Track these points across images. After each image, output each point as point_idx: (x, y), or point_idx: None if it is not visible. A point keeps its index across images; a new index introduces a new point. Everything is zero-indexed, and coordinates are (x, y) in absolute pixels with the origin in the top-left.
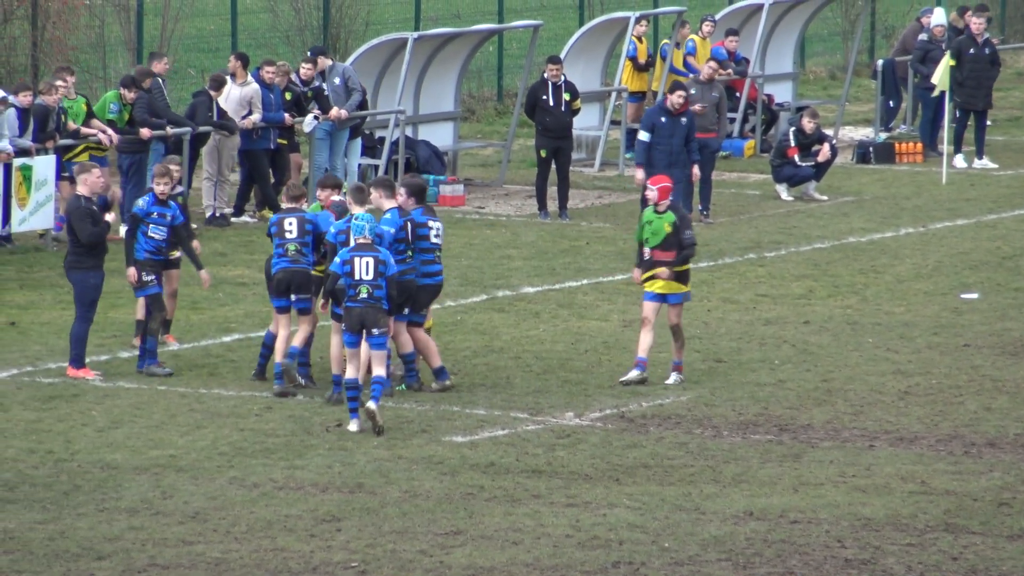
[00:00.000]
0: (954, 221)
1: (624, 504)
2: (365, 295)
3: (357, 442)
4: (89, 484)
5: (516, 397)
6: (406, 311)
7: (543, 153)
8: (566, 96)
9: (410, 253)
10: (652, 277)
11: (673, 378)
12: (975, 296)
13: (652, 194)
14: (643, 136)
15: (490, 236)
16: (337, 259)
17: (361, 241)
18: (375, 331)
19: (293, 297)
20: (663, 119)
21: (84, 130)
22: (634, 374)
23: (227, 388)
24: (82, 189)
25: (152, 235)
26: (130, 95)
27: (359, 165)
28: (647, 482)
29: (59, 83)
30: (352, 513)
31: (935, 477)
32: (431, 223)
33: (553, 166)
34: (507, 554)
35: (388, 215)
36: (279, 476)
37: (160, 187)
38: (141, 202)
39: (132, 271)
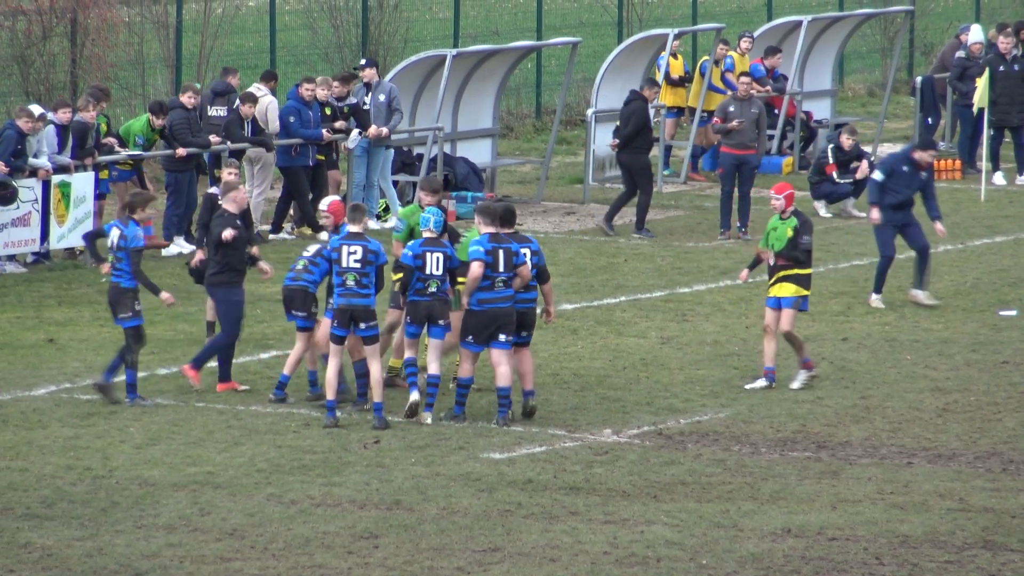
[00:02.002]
0: (992, 238)
1: (662, 521)
2: (434, 289)
3: (395, 459)
4: (127, 501)
5: (554, 414)
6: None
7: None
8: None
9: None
10: (775, 282)
11: (800, 378)
12: (1014, 313)
13: (779, 202)
14: (878, 176)
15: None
16: (408, 252)
17: (429, 235)
18: (440, 322)
19: (292, 312)
20: (904, 168)
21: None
22: (760, 383)
23: (264, 405)
24: (229, 206)
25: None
26: (159, 121)
27: (395, 182)
28: (685, 499)
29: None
30: (390, 530)
31: (973, 494)
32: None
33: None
34: (544, 571)
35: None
36: (316, 493)
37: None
38: (141, 233)
39: (166, 295)
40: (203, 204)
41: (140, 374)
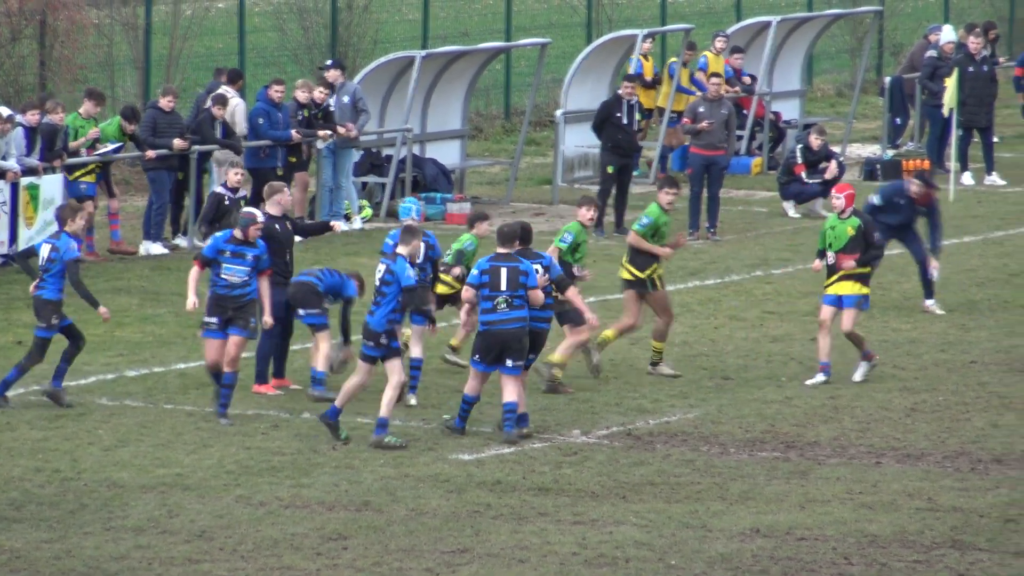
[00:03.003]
0: (961, 238)
1: (631, 521)
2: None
3: (364, 460)
4: (95, 503)
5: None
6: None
7: (611, 169)
8: (637, 115)
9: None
10: (836, 280)
11: (862, 370)
12: (932, 302)
13: (839, 202)
14: (875, 199)
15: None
16: (390, 240)
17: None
18: (421, 308)
19: (301, 312)
20: (901, 201)
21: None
22: (819, 378)
23: (233, 407)
24: (273, 209)
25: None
26: (130, 127)
27: (364, 183)
28: (654, 499)
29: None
30: (358, 531)
31: (942, 494)
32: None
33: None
34: (513, 572)
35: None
36: (285, 494)
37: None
38: (75, 245)
39: (103, 309)
40: (208, 202)
41: (108, 376)
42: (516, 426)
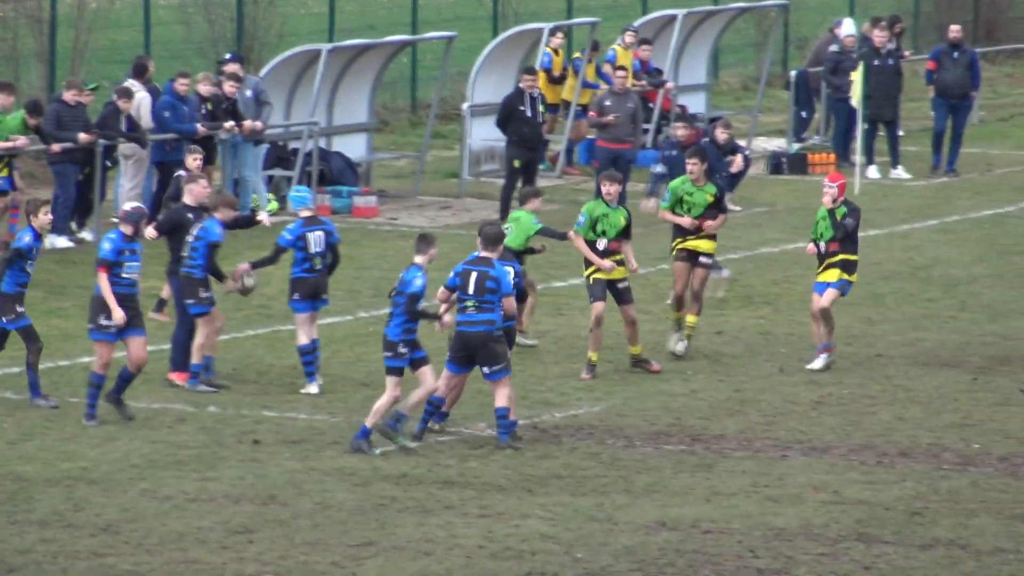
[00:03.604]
0: (867, 232)
1: (537, 515)
2: (319, 266)
3: (269, 454)
4: (0, 496)
5: None
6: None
7: (517, 163)
8: (540, 108)
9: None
10: (824, 269)
11: (819, 360)
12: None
13: (832, 190)
14: (658, 168)
15: (404, 247)
16: (287, 234)
17: (307, 214)
18: (324, 296)
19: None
20: (674, 152)
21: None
22: (822, 359)
23: (139, 400)
24: (187, 198)
25: (28, 270)
26: (33, 121)
27: (270, 177)
28: (560, 492)
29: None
30: (264, 525)
31: (848, 487)
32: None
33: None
34: (419, 565)
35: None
36: (191, 488)
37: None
38: (28, 237)
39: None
40: (172, 185)
41: (13, 369)
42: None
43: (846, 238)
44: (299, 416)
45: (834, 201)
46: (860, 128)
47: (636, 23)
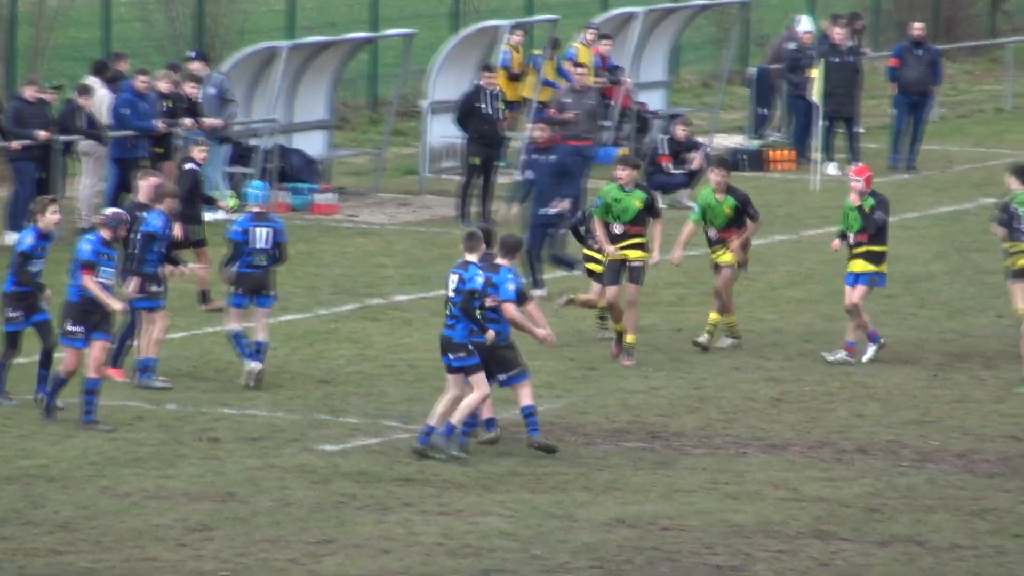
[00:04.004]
0: (826, 228)
1: (496, 512)
2: (263, 262)
3: (228, 451)
4: None
5: (388, 405)
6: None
7: (477, 161)
8: (499, 105)
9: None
10: (851, 259)
11: (839, 355)
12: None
13: (859, 184)
14: (528, 175)
15: (363, 244)
16: (236, 227)
17: (257, 210)
18: (265, 292)
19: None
20: (535, 156)
21: None
22: (870, 351)
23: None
24: (141, 196)
25: (31, 269)
26: None
27: (231, 175)
28: (519, 490)
29: None
30: (223, 522)
31: (806, 484)
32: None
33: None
34: (378, 562)
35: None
36: (150, 485)
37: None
38: (29, 239)
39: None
40: (187, 179)
41: None
42: (535, 431)
43: (878, 231)
44: (258, 413)
45: (861, 195)
46: (819, 125)
47: (596, 20)
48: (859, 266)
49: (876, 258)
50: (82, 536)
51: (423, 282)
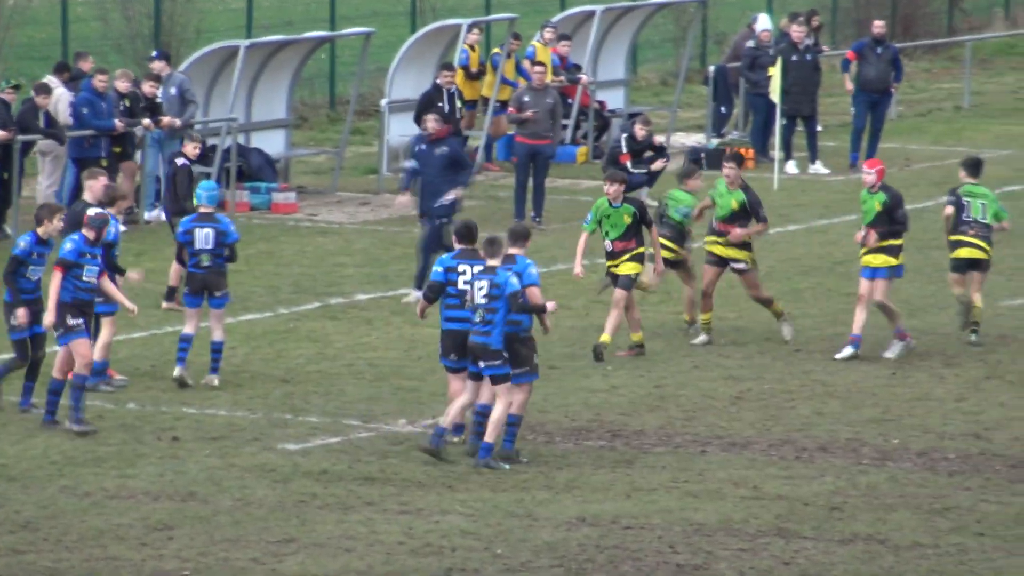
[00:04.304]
0: (785, 227)
1: (457, 511)
2: (207, 262)
3: (189, 450)
4: None
5: (349, 404)
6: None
7: None
8: (458, 103)
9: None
10: (867, 253)
11: (895, 348)
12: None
13: (871, 177)
14: (410, 164)
15: (323, 243)
16: (179, 227)
17: (204, 210)
18: (216, 293)
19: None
20: (424, 147)
21: None
22: (847, 351)
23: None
24: (87, 195)
25: (31, 276)
26: None
27: None
28: (480, 489)
29: None
30: (184, 521)
31: (767, 482)
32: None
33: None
34: (340, 562)
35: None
36: (110, 485)
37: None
38: (23, 243)
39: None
40: (180, 175)
41: None
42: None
43: (891, 224)
44: (218, 413)
45: (871, 187)
46: (779, 123)
47: (554, 19)
48: (878, 260)
49: (894, 251)
50: (43, 535)
51: (383, 281)
